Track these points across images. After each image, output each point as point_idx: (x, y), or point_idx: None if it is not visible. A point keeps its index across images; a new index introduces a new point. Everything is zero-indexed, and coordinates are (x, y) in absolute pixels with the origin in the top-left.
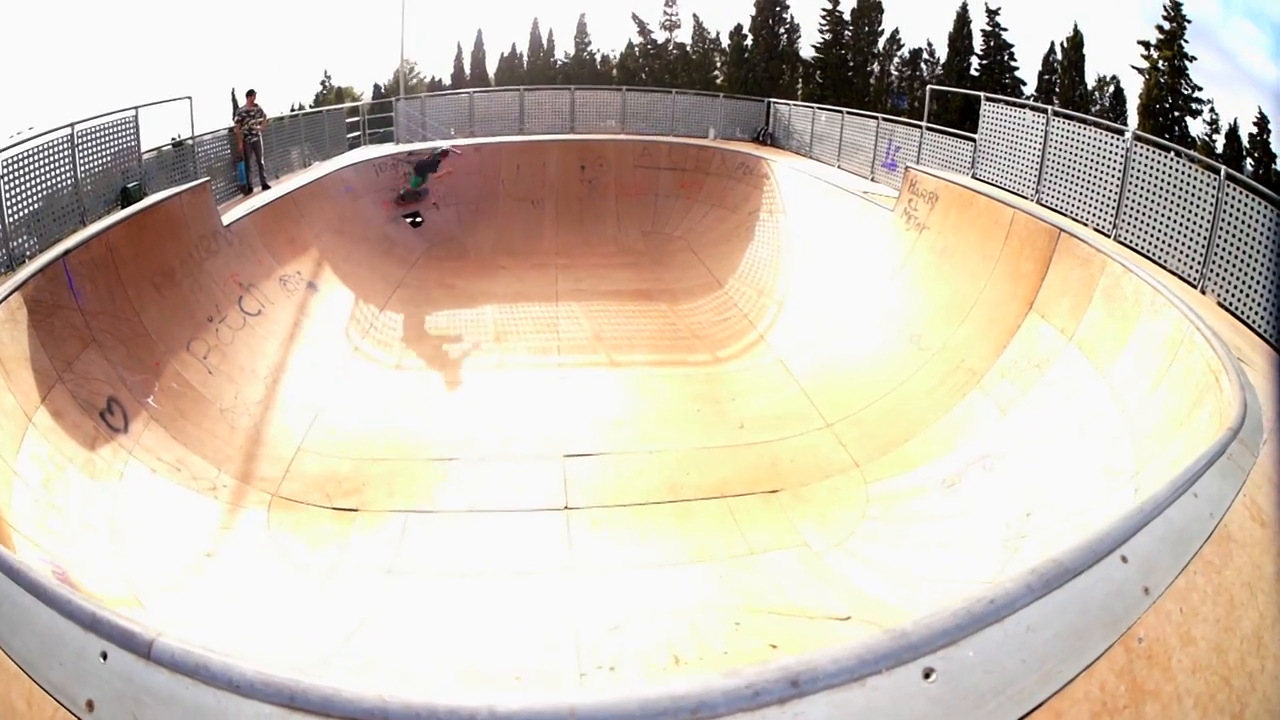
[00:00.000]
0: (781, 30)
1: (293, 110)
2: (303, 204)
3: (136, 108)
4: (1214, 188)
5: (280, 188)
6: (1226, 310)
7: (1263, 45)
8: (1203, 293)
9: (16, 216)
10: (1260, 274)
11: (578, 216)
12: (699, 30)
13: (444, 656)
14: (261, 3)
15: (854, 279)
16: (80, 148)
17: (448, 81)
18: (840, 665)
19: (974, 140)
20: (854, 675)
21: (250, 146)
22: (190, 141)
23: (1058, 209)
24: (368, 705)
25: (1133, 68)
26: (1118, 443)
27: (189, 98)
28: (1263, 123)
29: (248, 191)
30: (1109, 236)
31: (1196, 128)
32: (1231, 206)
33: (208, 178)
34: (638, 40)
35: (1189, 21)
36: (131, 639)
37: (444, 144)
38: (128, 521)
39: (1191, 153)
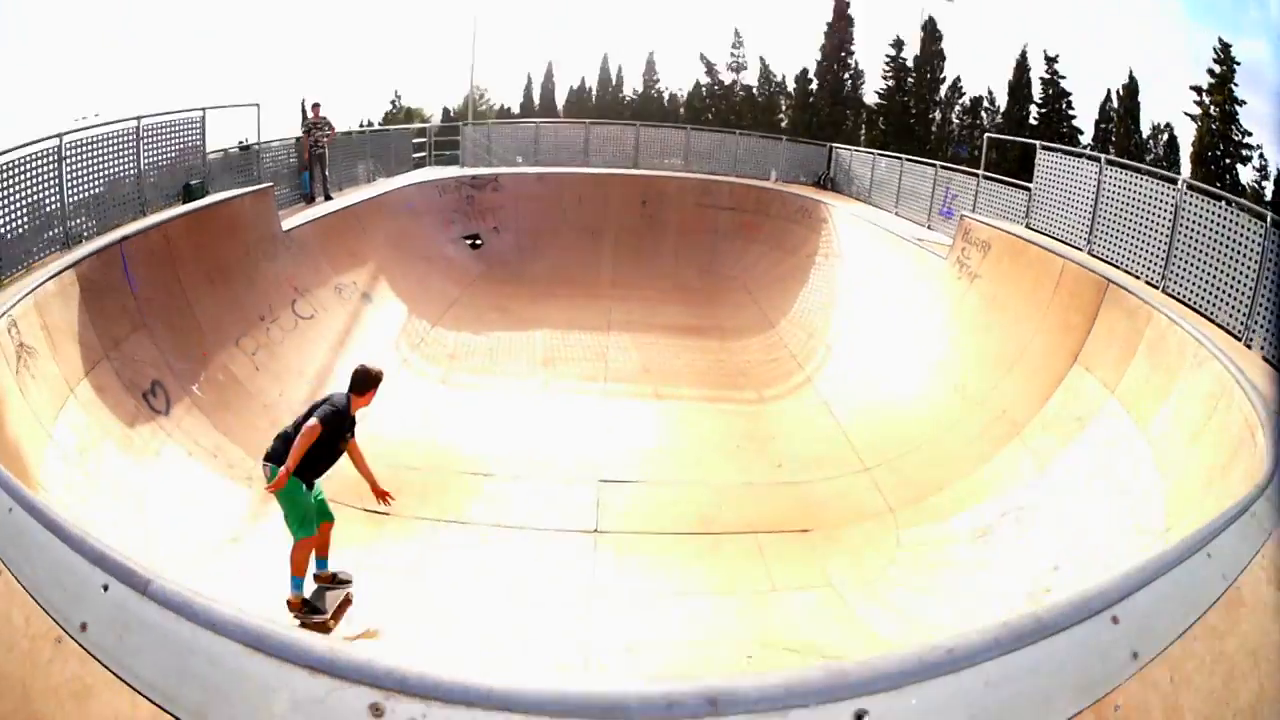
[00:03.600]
0: (846, 75)
1: (361, 126)
2: (364, 218)
3: (205, 109)
4: (1260, 235)
5: (343, 200)
6: (1271, 364)
7: None
8: (1248, 346)
9: (76, 198)
10: None
11: (636, 250)
12: (765, 73)
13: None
14: (339, 19)
15: (904, 326)
16: (145, 141)
17: (516, 110)
18: (764, 693)
19: (1029, 189)
20: (776, 704)
21: (315, 157)
22: (256, 146)
23: (1108, 259)
24: (318, 654)
25: (1186, 114)
26: (1150, 500)
27: (257, 105)
28: None
29: (310, 201)
30: (1157, 288)
31: (1246, 175)
32: (1277, 255)
33: (271, 184)
34: (705, 80)
35: (1238, 64)
36: (131, 576)
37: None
38: (158, 497)
39: (1241, 200)
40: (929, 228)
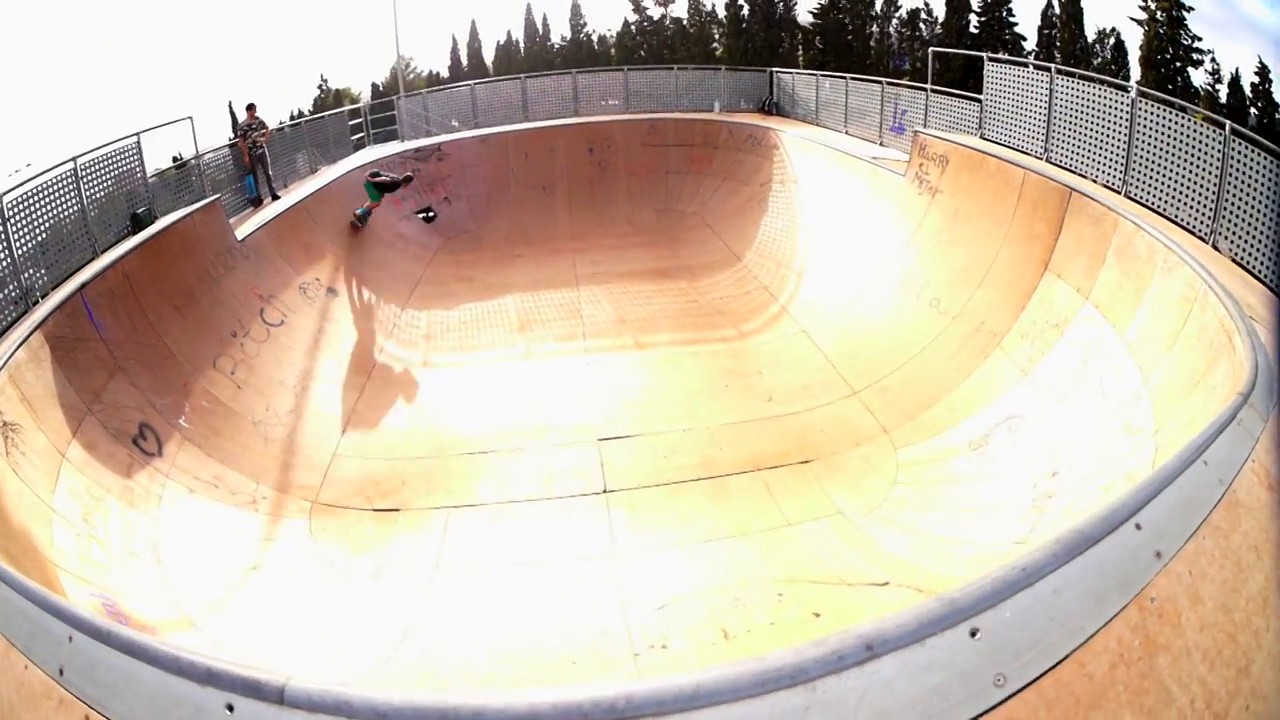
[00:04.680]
0: None
1: (293, 117)
2: (314, 211)
3: (138, 134)
4: (1220, 143)
5: (290, 196)
6: (1239, 265)
7: None
8: (1215, 248)
9: (25, 249)
10: (1268, 228)
11: (589, 199)
12: (694, 3)
13: (499, 648)
14: (251, 14)
15: (870, 245)
16: (85, 179)
17: (445, 74)
18: (904, 630)
19: (980, 101)
20: (916, 637)
21: (256, 159)
22: (194, 161)
23: (1067, 166)
24: (520, 710)
25: (1131, 19)
26: (1136, 401)
27: (189, 118)
28: (1264, 72)
29: (258, 204)
30: (1119, 193)
31: (1199, 78)
32: (1238, 161)
33: (217, 195)
34: (633, 18)
35: None
36: (260, 688)
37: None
38: (171, 544)
39: (1196, 108)
40: (881, 144)
